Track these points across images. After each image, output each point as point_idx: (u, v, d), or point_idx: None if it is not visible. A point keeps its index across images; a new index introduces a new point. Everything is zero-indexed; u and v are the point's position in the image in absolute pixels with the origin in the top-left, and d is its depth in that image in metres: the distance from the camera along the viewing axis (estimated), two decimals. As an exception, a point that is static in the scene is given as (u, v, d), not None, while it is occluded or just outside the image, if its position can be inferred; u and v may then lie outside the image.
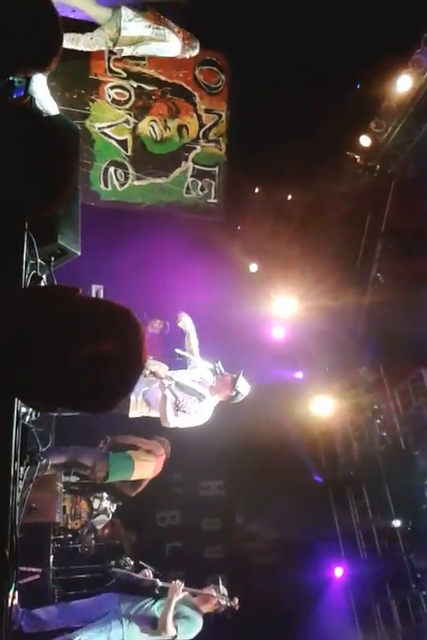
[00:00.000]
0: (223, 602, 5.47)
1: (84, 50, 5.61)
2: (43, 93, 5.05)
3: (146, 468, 6.30)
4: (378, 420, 9.08)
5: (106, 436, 6.47)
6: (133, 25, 5.57)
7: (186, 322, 5.69)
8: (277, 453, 7.95)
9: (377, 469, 8.77)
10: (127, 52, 5.75)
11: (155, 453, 6.27)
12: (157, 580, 5.54)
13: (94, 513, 6.51)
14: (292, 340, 8.78)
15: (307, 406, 8.87)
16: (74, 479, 6.59)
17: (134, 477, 6.23)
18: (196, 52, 5.95)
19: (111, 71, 6.53)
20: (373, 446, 9.04)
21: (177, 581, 5.34)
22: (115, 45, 5.64)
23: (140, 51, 5.77)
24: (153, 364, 5.53)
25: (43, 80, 4.96)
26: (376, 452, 8.89)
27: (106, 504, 6.59)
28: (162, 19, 5.68)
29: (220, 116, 7.07)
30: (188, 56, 5.93)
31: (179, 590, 5.25)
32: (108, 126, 6.58)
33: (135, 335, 1.48)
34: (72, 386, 1.43)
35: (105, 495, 6.60)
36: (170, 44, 5.77)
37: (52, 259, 3.81)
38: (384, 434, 8.95)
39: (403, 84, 7.45)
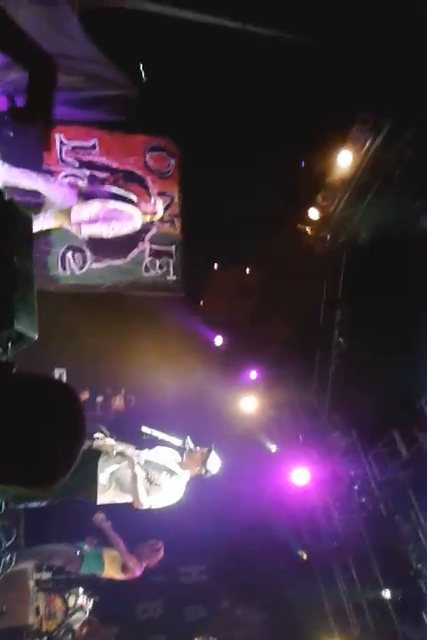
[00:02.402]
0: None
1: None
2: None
3: (116, 574, 6.15)
4: (356, 487, 8.98)
5: (91, 536, 6.29)
6: (86, 206, 5.77)
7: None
8: (257, 530, 7.75)
9: (361, 538, 8.59)
10: (85, 229, 5.89)
11: (130, 570, 6.10)
12: None
13: (70, 611, 6.16)
14: (263, 411, 8.77)
15: (284, 478, 8.74)
16: (46, 575, 6.30)
17: (104, 575, 6.08)
18: (159, 215, 6.16)
19: (63, 161, 6.79)
20: (354, 514, 8.89)
21: None
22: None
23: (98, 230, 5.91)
24: (119, 445, 5.45)
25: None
26: (358, 520, 8.73)
27: (82, 600, 6.26)
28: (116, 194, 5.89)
29: (172, 197, 7.36)
30: (150, 220, 6.15)
31: None
32: (64, 213, 6.79)
33: (69, 403, 1.51)
34: (8, 458, 1.43)
35: (81, 590, 6.28)
36: (130, 220, 5.95)
37: (9, 344, 3.84)
38: (363, 500, 8.83)
39: (344, 159, 7.93)
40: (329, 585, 8.83)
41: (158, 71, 5.88)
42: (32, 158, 6.20)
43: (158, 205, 6.09)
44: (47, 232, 6.40)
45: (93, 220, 5.82)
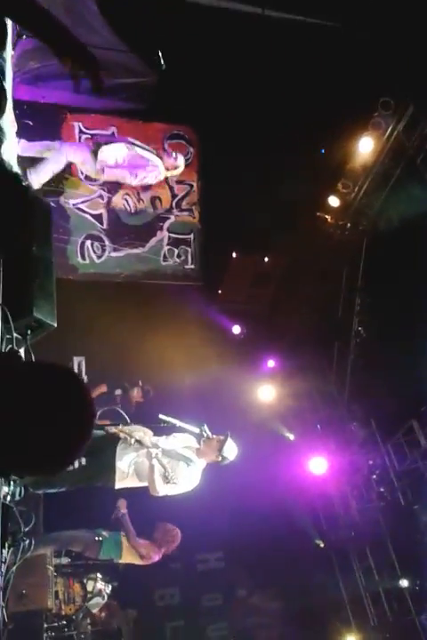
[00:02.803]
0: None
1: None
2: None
3: (134, 558, 6.20)
4: (374, 476, 8.95)
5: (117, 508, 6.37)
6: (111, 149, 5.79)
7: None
8: (274, 518, 7.74)
9: (379, 528, 8.57)
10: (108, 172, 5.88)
11: (147, 556, 6.14)
12: None
13: (89, 596, 6.24)
14: (281, 400, 8.75)
15: (302, 467, 8.73)
16: (65, 560, 6.38)
17: (122, 561, 6.13)
18: (180, 169, 6.14)
19: (82, 148, 6.82)
20: (372, 504, 8.86)
21: None
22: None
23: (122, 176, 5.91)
24: (137, 431, 5.49)
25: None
26: (376, 509, 8.70)
27: (100, 585, 6.34)
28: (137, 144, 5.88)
29: (191, 186, 7.35)
30: (171, 174, 6.15)
31: None
32: (83, 202, 6.81)
33: (75, 390, 1.51)
34: (20, 447, 1.44)
35: (99, 576, 6.35)
36: (154, 168, 5.94)
37: (29, 332, 3.87)
38: (382, 490, 8.80)
39: (365, 145, 7.83)
40: (346, 574, 8.82)
41: (177, 58, 5.82)
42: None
43: (180, 159, 6.06)
44: (66, 221, 6.44)
45: (118, 165, 5.82)
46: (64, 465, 1.53)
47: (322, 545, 8.84)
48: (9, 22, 4.37)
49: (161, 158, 5.99)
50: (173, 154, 6.10)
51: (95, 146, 5.85)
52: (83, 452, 1.58)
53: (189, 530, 7.02)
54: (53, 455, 1.49)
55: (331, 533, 9.06)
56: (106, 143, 5.85)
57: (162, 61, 5.69)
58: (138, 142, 5.95)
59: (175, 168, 6.08)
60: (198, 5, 5.74)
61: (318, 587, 8.02)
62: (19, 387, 1.49)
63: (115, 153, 5.80)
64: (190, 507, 6.20)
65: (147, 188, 7.05)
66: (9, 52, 4.48)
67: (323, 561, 8.63)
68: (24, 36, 5.28)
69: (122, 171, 5.87)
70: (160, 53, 5.66)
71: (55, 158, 5.74)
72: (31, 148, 5.63)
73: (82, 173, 6.73)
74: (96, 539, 6.27)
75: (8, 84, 4.56)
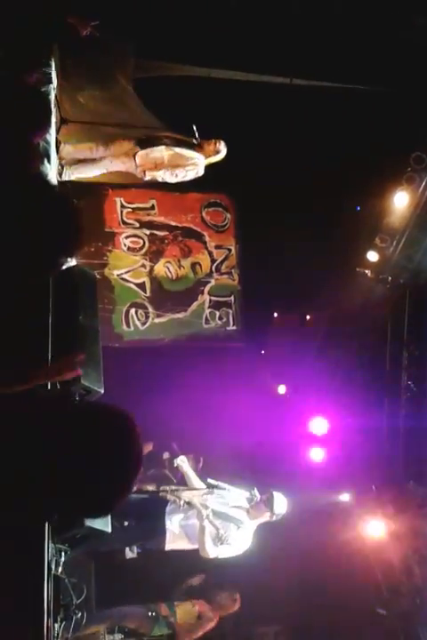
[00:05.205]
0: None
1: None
2: None
3: (188, 631, 6.04)
4: (438, 540, 8.50)
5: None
6: (151, 152, 5.92)
7: (182, 463, 5.71)
8: (332, 585, 7.42)
9: (446, 595, 8.07)
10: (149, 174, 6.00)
11: (203, 623, 5.99)
12: None
13: (142, 673, 6.06)
14: (332, 461, 8.53)
15: (358, 531, 8.39)
16: (118, 637, 6.23)
17: (178, 621, 5.95)
18: (222, 154, 6.09)
19: (124, 223, 7.15)
20: (436, 569, 8.38)
21: None
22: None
23: (162, 176, 6.04)
24: (187, 494, 5.48)
25: None
26: (441, 574, 8.23)
27: (154, 663, 6.16)
28: (179, 139, 6.01)
29: (229, 250, 7.55)
30: (215, 160, 6.11)
31: None
32: (126, 272, 7.08)
33: (129, 436, 1.55)
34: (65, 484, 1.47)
35: (153, 653, 6.18)
36: (193, 167, 6.05)
37: (77, 398, 3.99)
38: (447, 554, 8.33)
39: (400, 200, 7.91)
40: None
41: (210, 130, 6.11)
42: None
43: (220, 145, 6.05)
44: (111, 291, 6.68)
45: (158, 166, 5.93)
46: (113, 506, 1.55)
47: (384, 613, 8.36)
48: (53, 108, 4.74)
49: (202, 148, 6.02)
50: (214, 140, 6.07)
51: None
52: (129, 493, 1.61)
53: (243, 600, 6.80)
54: (104, 496, 1.52)
55: (393, 601, 8.57)
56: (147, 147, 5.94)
57: (196, 134, 5.97)
58: (178, 142, 6.02)
59: (217, 153, 6.07)
60: (227, 80, 6.06)
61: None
62: (75, 425, 1.53)
63: (154, 156, 5.93)
64: (242, 574, 6.06)
65: (187, 254, 7.30)
66: (53, 136, 4.84)
67: (387, 631, 8.13)
68: (68, 123, 5.69)
69: (163, 172, 5.98)
70: (194, 127, 5.95)
71: (112, 161, 5.92)
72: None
73: (125, 245, 7.05)
74: (150, 614, 6.15)
75: (53, 166, 4.89)
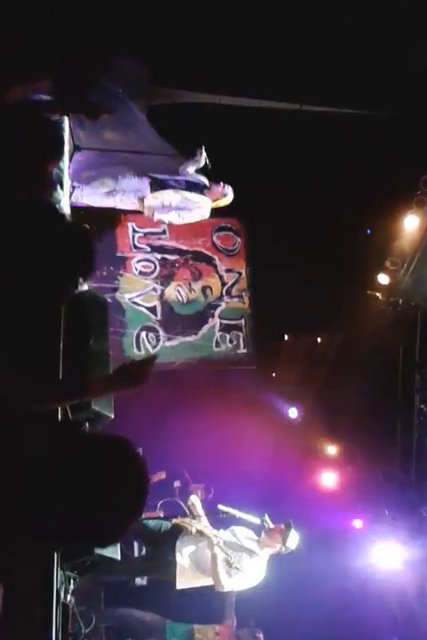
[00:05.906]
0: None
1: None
2: None
3: None
4: (453, 566, 8.35)
5: None
6: (160, 194, 6.01)
7: (195, 503, 5.63)
8: (346, 614, 7.31)
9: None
10: (157, 216, 6.11)
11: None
12: None
13: None
14: (344, 486, 8.45)
15: (371, 558, 8.27)
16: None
17: None
18: (229, 199, 6.16)
19: (136, 247, 7.23)
20: (453, 596, 8.23)
21: None
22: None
23: (168, 218, 6.13)
24: (198, 524, 5.44)
25: None
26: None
27: None
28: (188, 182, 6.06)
29: (240, 273, 7.58)
30: (222, 204, 6.18)
31: None
32: (138, 296, 7.14)
33: (129, 464, 1.58)
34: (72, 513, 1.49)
35: None
36: (199, 209, 6.14)
37: (87, 424, 3.99)
38: (463, 580, 8.19)
39: (410, 223, 7.91)
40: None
41: (221, 157, 6.18)
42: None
43: (227, 189, 6.10)
44: (122, 315, 6.71)
45: (167, 208, 6.01)
46: (119, 536, 1.56)
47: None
48: (66, 135, 4.82)
49: (210, 191, 6.08)
50: (222, 183, 6.13)
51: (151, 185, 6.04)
52: (134, 521, 1.61)
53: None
54: (109, 525, 1.53)
55: (409, 630, 8.41)
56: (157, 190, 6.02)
57: (208, 161, 6.04)
58: (189, 177, 6.07)
59: (224, 196, 6.13)
60: (238, 106, 6.13)
61: None
62: (80, 456, 1.55)
63: (162, 198, 6.00)
64: (257, 606, 5.97)
65: (198, 278, 7.35)
66: (66, 163, 4.91)
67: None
68: (81, 150, 5.78)
69: (172, 213, 6.06)
70: (205, 153, 6.01)
71: (122, 197, 6.00)
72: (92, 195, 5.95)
73: (136, 269, 7.12)
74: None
75: (65, 193, 4.95)
